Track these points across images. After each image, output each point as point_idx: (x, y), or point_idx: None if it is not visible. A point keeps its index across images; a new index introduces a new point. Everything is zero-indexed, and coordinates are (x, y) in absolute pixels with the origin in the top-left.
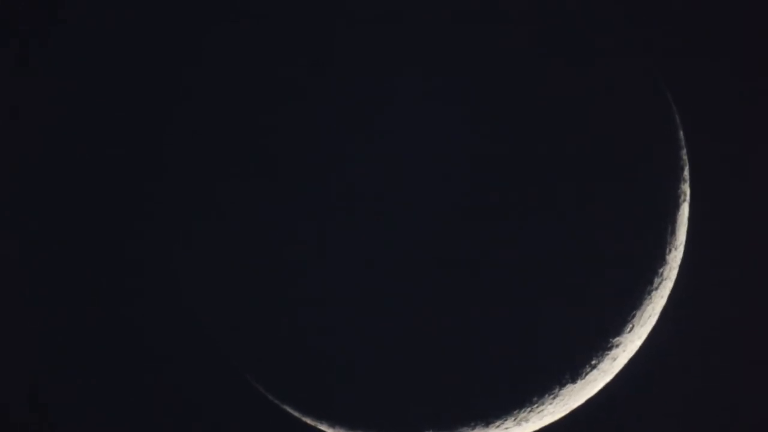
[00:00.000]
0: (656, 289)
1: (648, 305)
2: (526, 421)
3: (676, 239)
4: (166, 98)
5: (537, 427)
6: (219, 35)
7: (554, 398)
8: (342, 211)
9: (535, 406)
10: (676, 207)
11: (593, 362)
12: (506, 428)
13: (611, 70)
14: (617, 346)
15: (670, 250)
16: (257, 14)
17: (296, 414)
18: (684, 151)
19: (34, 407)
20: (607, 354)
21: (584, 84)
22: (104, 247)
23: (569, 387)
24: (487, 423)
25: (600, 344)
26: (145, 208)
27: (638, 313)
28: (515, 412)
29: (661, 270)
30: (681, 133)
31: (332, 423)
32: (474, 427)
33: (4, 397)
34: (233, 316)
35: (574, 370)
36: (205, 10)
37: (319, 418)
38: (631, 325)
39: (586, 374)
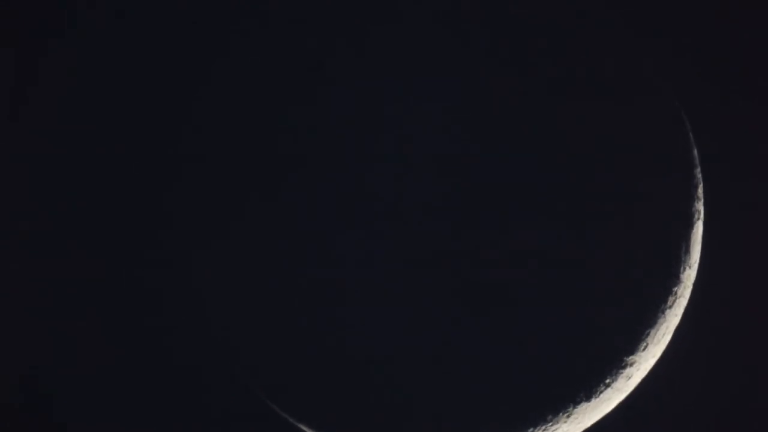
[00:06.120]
0: (670, 307)
1: (662, 324)
2: None
3: (690, 257)
4: (184, 101)
5: None
6: (227, 47)
7: (569, 416)
8: (350, 212)
9: (550, 424)
10: (690, 225)
11: (607, 380)
12: None
13: (625, 89)
14: (631, 364)
15: (684, 269)
16: (266, 22)
17: (309, 431)
18: (698, 170)
19: (43, 408)
20: (622, 372)
21: (598, 101)
22: (122, 252)
23: (583, 405)
24: None
25: (614, 362)
26: (164, 211)
27: (652, 332)
28: (530, 430)
29: (675, 288)
30: (695, 151)
31: None
32: None
33: (16, 398)
34: (244, 325)
35: (588, 389)
36: (218, 16)
37: None
38: (645, 344)
39: (601, 392)
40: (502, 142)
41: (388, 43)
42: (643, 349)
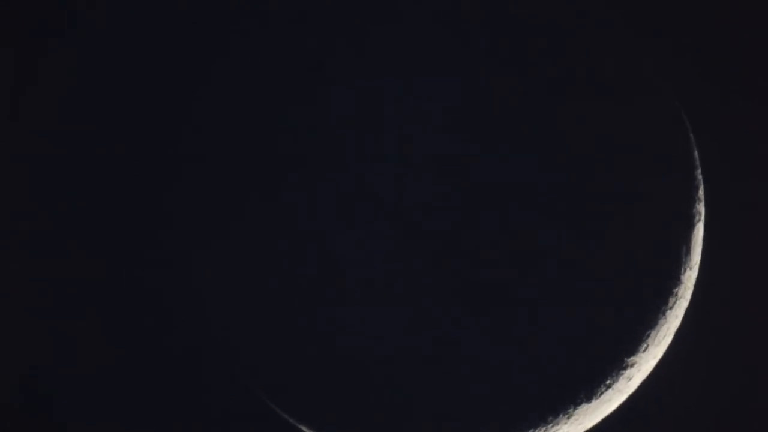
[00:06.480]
0: (671, 308)
1: (663, 325)
2: None
3: (690, 259)
4: (184, 101)
5: None
6: (227, 47)
7: (569, 417)
8: (350, 212)
9: (550, 425)
10: (691, 227)
11: (608, 382)
12: None
13: (625, 89)
14: (632, 365)
15: (684, 270)
16: (266, 22)
17: (309, 431)
18: (699, 171)
19: (43, 408)
20: (622, 373)
21: (598, 101)
22: (122, 252)
23: (584, 406)
24: None
25: (615, 364)
26: (164, 211)
27: (653, 333)
28: (530, 431)
29: (676, 290)
30: (696, 153)
31: None
32: None
33: (16, 398)
34: (244, 325)
35: (589, 390)
36: (218, 16)
37: None
38: (645, 345)
39: (601, 393)
40: (502, 142)
41: (388, 43)
42: (644, 350)
